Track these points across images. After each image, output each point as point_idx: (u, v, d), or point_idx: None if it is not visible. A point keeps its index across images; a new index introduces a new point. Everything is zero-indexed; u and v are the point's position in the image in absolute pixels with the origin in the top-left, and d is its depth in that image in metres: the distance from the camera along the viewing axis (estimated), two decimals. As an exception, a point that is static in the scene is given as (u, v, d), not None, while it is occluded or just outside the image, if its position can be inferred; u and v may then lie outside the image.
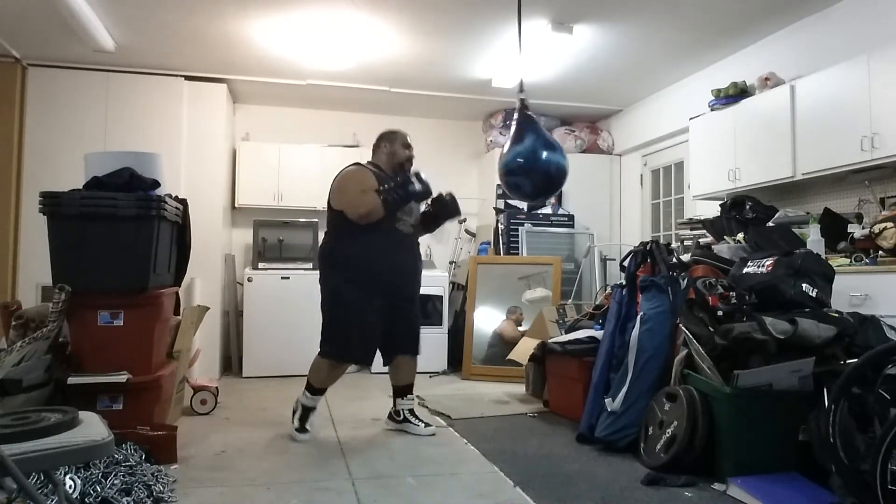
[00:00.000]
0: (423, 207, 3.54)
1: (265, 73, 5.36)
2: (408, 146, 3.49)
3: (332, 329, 3.31)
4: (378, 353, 3.46)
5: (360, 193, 3.23)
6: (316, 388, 3.38)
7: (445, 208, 3.47)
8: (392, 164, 3.44)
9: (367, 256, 3.26)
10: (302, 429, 3.34)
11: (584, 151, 6.46)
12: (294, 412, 3.40)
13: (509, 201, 6.02)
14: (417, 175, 3.35)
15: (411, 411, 3.53)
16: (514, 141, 3.26)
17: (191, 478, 2.67)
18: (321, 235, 3.75)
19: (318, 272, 3.44)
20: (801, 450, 2.52)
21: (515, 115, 3.34)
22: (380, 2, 4.04)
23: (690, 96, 5.19)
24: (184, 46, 4.80)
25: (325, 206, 3.44)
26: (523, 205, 6.00)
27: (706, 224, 4.38)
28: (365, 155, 6.02)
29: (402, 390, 3.55)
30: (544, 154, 3.20)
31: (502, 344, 5.32)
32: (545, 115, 6.43)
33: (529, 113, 3.34)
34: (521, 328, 5.30)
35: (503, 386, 4.88)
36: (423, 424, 3.47)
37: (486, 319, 5.56)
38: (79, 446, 1.50)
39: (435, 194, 3.43)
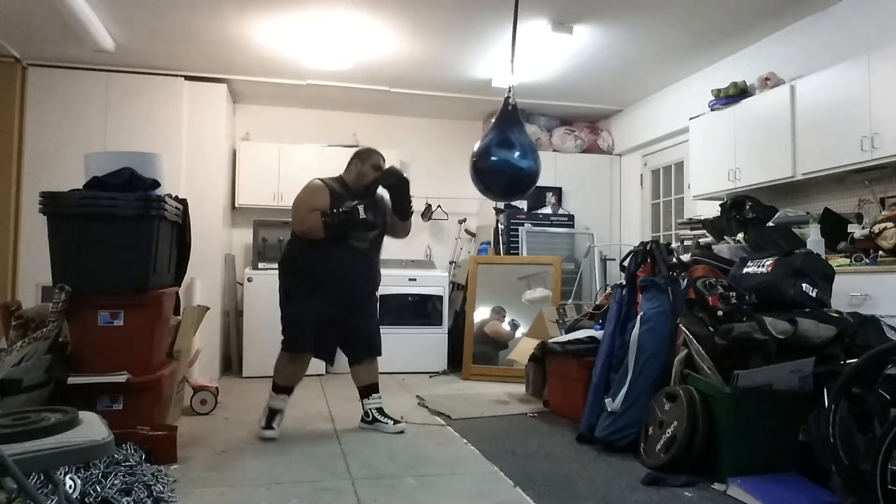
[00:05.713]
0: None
1: (265, 73, 5.36)
2: (378, 168, 3.56)
3: (285, 321, 3.49)
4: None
5: (307, 212, 3.43)
6: (280, 387, 3.46)
7: (399, 192, 3.55)
8: (359, 183, 3.53)
9: (318, 267, 3.42)
10: (268, 426, 3.38)
11: (584, 151, 6.46)
12: (264, 414, 3.45)
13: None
14: (373, 202, 3.50)
15: (379, 410, 3.60)
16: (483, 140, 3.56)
17: (191, 478, 2.67)
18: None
19: None
20: (801, 450, 2.51)
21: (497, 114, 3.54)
22: (379, 2, 4.04)
23: (690, 96, 5.18)
24: (184, 46, 4.80)
25: None
26: (523, 204, 6.01)
27: (706, 224, 4.38)
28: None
29: (365, 391, 3.64)
30: (515, 155, 3.38)
31: (492, 343, 5.43)
32: (545, 115, 6.44)
33: (511, 111, 3.47)
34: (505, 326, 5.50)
35: (503, 386, 4.88)
36: (393, 422, 3.54)
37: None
38: (79, 446, 1.50)
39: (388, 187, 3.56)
